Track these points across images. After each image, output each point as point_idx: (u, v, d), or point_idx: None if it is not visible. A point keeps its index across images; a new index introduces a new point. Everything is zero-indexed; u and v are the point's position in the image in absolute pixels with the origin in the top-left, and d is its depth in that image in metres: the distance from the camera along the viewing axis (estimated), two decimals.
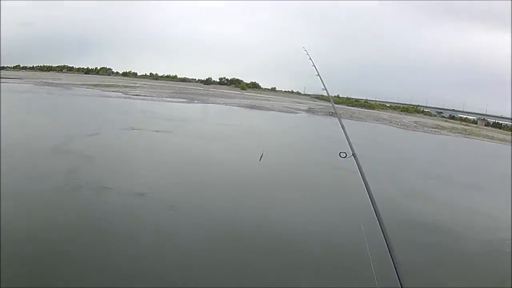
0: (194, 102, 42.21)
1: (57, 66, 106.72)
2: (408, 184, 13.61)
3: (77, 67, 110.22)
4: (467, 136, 49.16)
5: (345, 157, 3.62)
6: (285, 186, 11.08)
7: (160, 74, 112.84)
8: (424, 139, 37.51)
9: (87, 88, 48.81)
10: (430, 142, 35.71)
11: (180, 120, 24.82)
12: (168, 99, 42.82)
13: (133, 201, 8.38)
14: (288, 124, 34.03)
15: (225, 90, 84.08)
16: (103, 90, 46.67)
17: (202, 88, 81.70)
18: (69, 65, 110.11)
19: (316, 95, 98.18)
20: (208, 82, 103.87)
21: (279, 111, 44.77)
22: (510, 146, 42.04)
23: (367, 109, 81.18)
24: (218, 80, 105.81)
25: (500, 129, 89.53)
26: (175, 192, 9.43)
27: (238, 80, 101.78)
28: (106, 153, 12.82)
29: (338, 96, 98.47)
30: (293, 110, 49.63)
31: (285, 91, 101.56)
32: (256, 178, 11.33)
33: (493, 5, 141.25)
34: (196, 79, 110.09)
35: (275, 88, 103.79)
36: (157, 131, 18.20)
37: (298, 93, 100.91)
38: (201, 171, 11.92)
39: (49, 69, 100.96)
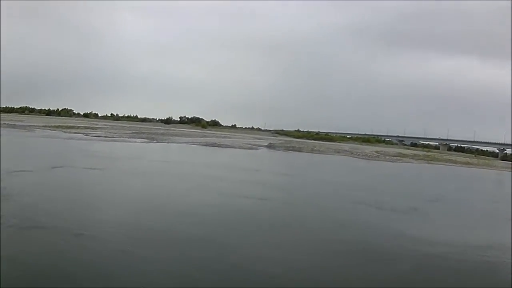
0: (154, 142, 42.12)
1: (19, 108, 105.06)
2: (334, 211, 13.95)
3: (38, 108, 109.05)
4: (430, 162, 50.31)
5: None
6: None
7: (121, 115, 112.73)
8: (383, 168, 38.16)
9: (49, 129, 48.13)
10: (387, 170, 36.52)
11: (119, 158, 24.87)
12: (129, 139, 42.61)
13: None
14: (238, 159, 33.99)
15: (185, 129, 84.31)
16: (64, 132, 46.07)
17: (162, 127, 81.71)
18: (30, 106, 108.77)
19: (276, 130, 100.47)
20: (168, 121, 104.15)
21: (240, 148, 44.92)
22: (469, 168, 44.24)
23: (328, 141, 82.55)
24: (179, 119, 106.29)
25: (463, 152, 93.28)
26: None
27: (198, 118, 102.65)
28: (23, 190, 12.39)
29: (298, 130, 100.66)
30: (254, 146, 49.75)
31: (245, 128, 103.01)
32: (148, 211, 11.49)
33: (449, 32, 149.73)
34: (157, 119, 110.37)
35: (235, 125, 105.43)
36: (90, 168, 18.13)
37: (259, 129, 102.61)
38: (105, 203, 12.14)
39: (11, 110, 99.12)
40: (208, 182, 17.74)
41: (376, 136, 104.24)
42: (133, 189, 14.92)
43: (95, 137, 40.95)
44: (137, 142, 40.47)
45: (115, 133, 50.72)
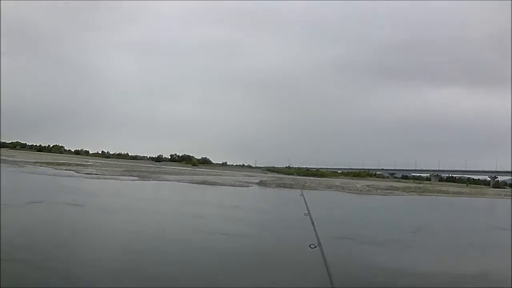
0: (144, 180, 42.31)
1: (11, 143, 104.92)
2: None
3: (29, 144, 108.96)
4: (421, 194, 50.65)
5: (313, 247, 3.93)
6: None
7: (111, 152, 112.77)
8: (372, 201, 38.28)
9: (40, 166, 48.10)
10: (375, 204, 36.26)
11: (104, 195, 25.21)
12: (120, 177, 42.78)
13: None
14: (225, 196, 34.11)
15: (176, 166, 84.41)
16: (55, 169, 46.12)
17: (153, 165, 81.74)
18: (22, 142, 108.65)
19: (267, 167, 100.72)
20: (159, 159, 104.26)
21: (231, 185, 45.14)
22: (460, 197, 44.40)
23: (319, 177, 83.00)
24: (169, 157, 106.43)
25: (455, 182, 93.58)
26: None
27: (189, 156, 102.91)
28: None
29: (289, 167, 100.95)
30: (245, 183, 50.02)
31: (236, 165, 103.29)
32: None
33: (436, 62, 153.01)
34: (147, 157, 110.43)
35: (226, 162, 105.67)
36: (70, 204, 18.41)
37: (250, 166, 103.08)
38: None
39: (2, 145, 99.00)
40: (188, 219, 18.01)
41: (367, 170, 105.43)
42: (105, 225, 15.02)
43: (86, 175, 41.03)
44: (129, 180, 40.58)
45: (106, 170, 50.82)
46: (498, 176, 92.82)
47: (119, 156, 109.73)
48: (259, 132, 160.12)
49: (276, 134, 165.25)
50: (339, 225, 19.19)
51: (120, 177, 43.14)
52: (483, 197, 52.27)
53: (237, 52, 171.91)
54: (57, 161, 58.88)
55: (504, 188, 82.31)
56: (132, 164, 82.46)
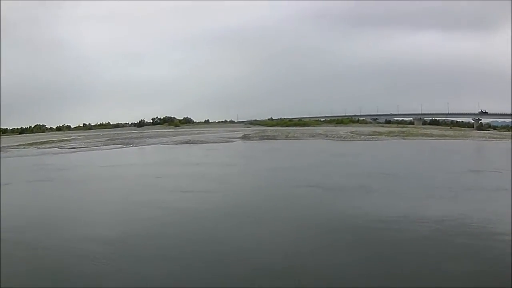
0: (128, 147, 42.55)
1: None
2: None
3: (10, 128, 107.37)
4: (405, 137, 49.94)
5: None
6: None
7: (93, 124, 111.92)
8: (350, 147, 38.21)
9: (24, 148, 47.82)
10: (354, 150, 36.38)
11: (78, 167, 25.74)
12: (103, 147, 42.85)
13: None
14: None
15: (159, 129, 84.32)
16: (39, 148, 45.88)
17: (136, 131, 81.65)
18: (3, 127, 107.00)
19: (249, 121, 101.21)
20: (141, 124, 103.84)
21: (214, 142, 45.40)
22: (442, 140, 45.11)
23: (302, 127, 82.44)
24: (151, 121, 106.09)
25: (438, 125, 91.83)
26: None
27: (171, 118, 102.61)
28: None
29: (271, 119, 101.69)
30: (229, 139, 50.24)
31: (218, 122, 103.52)
32: None
33: (412, 8, 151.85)
34: (129, 123, 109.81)
35: (208, 120, 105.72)
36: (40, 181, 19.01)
37: (232, 122, 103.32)
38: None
39: None
40: (158, 181, 18.68)
41: (350, 117, 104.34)
42: (65, 195, 15.61)
43: (70, 149, 41.08)
44: (113, 149, 40.78)
45: (90, 142, 50.76)
46: (482, 119, 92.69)
47: (101, 126, 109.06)
48: (239, 87, 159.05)
49: (256, 87, 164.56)
50: (311, 174, 19.42)
51: (104, 147, 43.21)
52: (467, 139, 50.76)
53: (214, 9, 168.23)
54: (39, 141, 58.14)
55: (489, 130, 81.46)
56: (114, 132, 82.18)
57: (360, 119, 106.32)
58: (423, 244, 8.86)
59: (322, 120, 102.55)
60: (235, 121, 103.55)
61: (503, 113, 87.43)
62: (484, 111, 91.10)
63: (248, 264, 7.91)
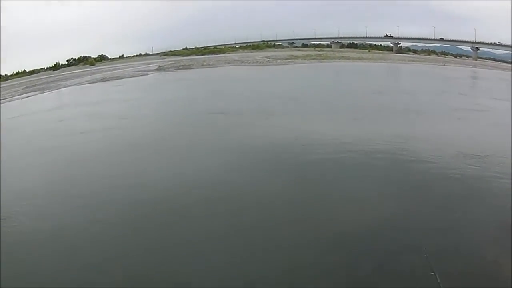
0: (45, 92, 42.61)
1: None
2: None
3: None
4: (322, 61, 51.02)
5: None
6: None
7: (9, 74, 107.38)
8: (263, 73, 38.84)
9: None
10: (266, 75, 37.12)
11: None
12: (21, 96, 42.64)
13: None
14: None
15: (75, 70, 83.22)
16: None
17: (52, 75, 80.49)
18: None
19: (164, 52, 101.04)
20: (56, 67, 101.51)
21: (130, 77, 46.17)
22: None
23: (217, 54, 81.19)
24: (66, 63, 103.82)
25: (357, 48, 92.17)
26: None
27: (85, 57, 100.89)
28: None
29: (186, 48, 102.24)
30: (144, 72, 50.87)
31: (134, 56, 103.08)
32: None
33: None
34: (45, 68, 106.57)
35: (123, 55, 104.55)
36: None
37: (147, 54, 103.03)
38: None
39: None
40: (60, 125, 19.22)
41: (266, 42, 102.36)
42: None
43: None
44: (30, 96, 40.67)
45: (7, 93, 50.75)
46: (401, 43, 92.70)
47: (18, 74, 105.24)
48: (150, 19, 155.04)
49: (167, 18, 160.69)
50: (218, 101, 20.60)
51: (21, 96, 42.89)
52: (386, 62, 51.61)
53: None
54: None
55: (408, 53, 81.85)
56: (31, 79, 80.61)
57: (276, 44, 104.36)
58: (307, 156, 10.36)
59: (238, 46, 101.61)
60: (150, 53, 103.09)
61: (421, 37, 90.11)
62: (389, 35, 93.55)
63: (152, 191, 9.30)
